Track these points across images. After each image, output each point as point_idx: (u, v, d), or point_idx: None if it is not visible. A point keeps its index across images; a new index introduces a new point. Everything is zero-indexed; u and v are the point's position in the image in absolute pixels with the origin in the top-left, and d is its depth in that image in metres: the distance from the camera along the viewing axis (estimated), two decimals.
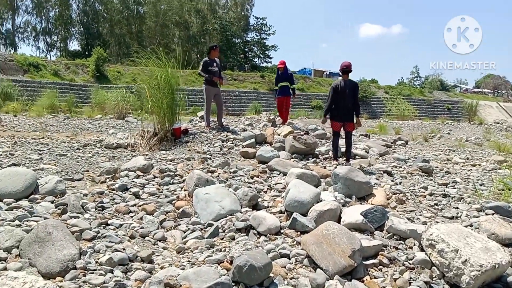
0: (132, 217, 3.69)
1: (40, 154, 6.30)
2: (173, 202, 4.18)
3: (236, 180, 5.11)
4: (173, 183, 4.86)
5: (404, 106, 46.20)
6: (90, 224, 3.40)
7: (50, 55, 54.98)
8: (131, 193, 4.37)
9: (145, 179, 4.88)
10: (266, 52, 58.85)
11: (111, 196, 4.22)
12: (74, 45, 57.55)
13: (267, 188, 4.83)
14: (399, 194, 5.05)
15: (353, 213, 3.53)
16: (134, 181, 4.76)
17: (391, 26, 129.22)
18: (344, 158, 7.44)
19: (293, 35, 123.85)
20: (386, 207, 4.37)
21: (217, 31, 52.17)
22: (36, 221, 3.26)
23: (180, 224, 3.56)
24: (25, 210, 3.59)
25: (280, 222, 3.64)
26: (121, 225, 3.45)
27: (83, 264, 2.60)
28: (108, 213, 3.71)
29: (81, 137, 11.07)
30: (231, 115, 29.47)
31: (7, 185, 4.04)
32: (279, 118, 10.95)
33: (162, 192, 4.54)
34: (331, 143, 7.62)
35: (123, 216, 3.67)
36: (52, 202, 3.97)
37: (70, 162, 5.99)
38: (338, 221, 3.61)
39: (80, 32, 55.63)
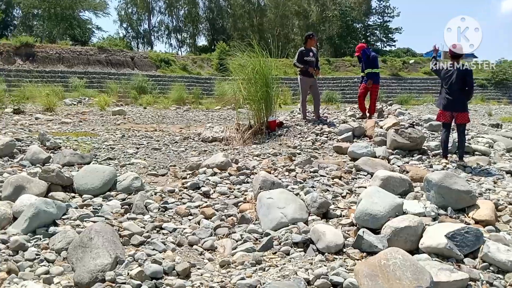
0: (190, 220, 3.56)
1: (138, 148, 6.68)
2: (239, 204, 3.94)
3: (315, 181, 4.65)
4: (247, 182, 4.64)
5: None
6: (144, 227, 3.37)
7: (181, 51, 60.02)
8: (201, 192, 4.27)
9: (220, 177, 4.75)
10: (390, 35, 55.06)
11: (180, 195, 4.17)
12: (201, 41, 61.82)
13: (347, 192, 4.27)
14: None
15: (438, 233, 2.82)
16: (208, 179, 4.66)
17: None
18: (457, 155, 6.33)
19: (421, 16, 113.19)
20: (494, 224, 3.47)
21: (337, 18, 50.52)
22: (95, 221, 3.33)
23: (235, 232, 3.30)
24: (93, 209, 3.73)
25: (346, 238, 3.11)
26: (175, 229, 3.34)
27: (112, 276, 2.50)
28: (168, 215, 3.64)
29: (193, 128, 11.69)
30: (348, 103, 28.34)
31: (87, 182, 4.28)
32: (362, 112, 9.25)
33: (233, 192, 4.35)
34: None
35: (181, 219, 3.57)
36: (123, 200, 4.07)
37: (161, 157, 6.21)
38: (419, 242, 2.93)
39: (207, 28, 59.47)
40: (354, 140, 7.36)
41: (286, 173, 4.84)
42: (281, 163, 5.54)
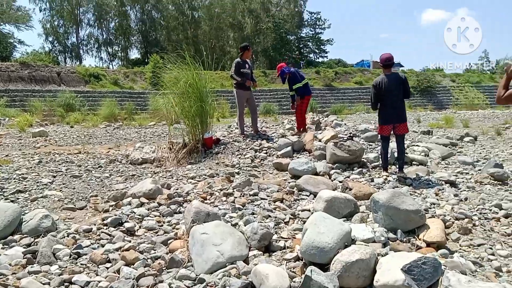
0: (107, 268, 2.97)
1: (54, 177, 5.87)
2: (169, 242, 3.40)
3: (255, 205, 4.23)
4: (179, 212, 4.10)
5: (473, 95, 42.36)
6: (49, 282, 2.72)
7: (112, 64, 57.62)
8: (124, 229, 3.66)
9: (147, 208, 4.16)
10: (322, 46, 57.05)
11: (99, 235, 3.54)
12: (134, 54, 59.84)
13: (290, 218, 3.89)
14: (463, 219, 3.87)
15: (393, 266, 2.51)
16: (133, 212, 4.05)
17: (455, 10, 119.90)
18: (397, 167, 6.27)
19: (350, 28, 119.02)
20: (444, 244, 3.26)
21: (271, 30, 51.39)
22: None
23: (162, 281, 2.75)
24: None
25: (292, 278, 2.70)
26: (88, 283, 2.72)
27: None
28: (81, 264, 3.01)
29: (123, 148, 10.84)
30: (285, 114, 28.56)
31: None
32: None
33: (162, 226, 3.79)
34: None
35: (97, 268, 2.96)
36: (28, 245, 3.37)
37: (81, 186, 5.47)
38: (373, 277, 2.60)
39: (139, 40, 57.65)
40: (294, 155, 7.09)
41: (224, 198, 4.37)
42: (218, 185, 5.07)
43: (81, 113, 25.14)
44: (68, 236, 3.51)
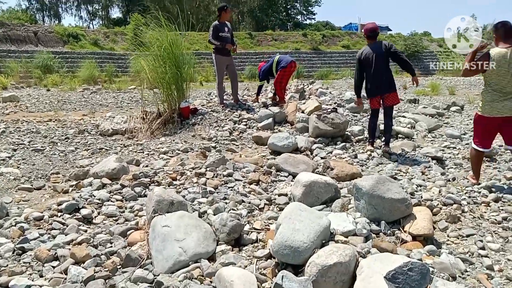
0: (54, 267, 2.61)
1: (14, 150, 5.39)
2: (129, 233, 3.04)
3: (228, 188, 3.87)
4: (144, 195, 3.72)
5: (460, 60, 42.00)
6: None
7: (92, 24, 55.29)
8: (80, 216, 3.28)
9: (109, 191, 3.77)
10: (310, 8, 55.48)
11: (50, 224, 3.16)
12: (115, 13, 57.40)
13: (265, 203, 3.56)
14: (452, 205, 3.59)
15: (375, 272, 2.20)
16: (93, 195, 3.66)
17: None
18: (383, 141, 5.95)
19: None
20: (432, 236, 2.98)
21: None
22: None
23: (114, 285, 2.41)
24: None
25: (262, 282, 2.39)
26: (28, 287, 2.37)
27: None
28: (24, 262, 2.64)
29: (98, 115, 10.29)
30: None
31: None
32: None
33: (124, 212, 3.42)
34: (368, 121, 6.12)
35: (42, 267, 2.60)
36: None
37: (42, 161, 5.03)
38: (352, 282, 2.30)
39: None
40: (275, 127, 6.72)
41: (195, 179, 3.99)
42: (191, 163, 4.68)
43: (59, 75, 24.11)
44: (15, 225, 3.12)
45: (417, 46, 40.57)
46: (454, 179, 4.58)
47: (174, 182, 3.98)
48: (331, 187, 3.49)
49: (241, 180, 4.04)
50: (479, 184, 4.26)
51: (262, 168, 4.47)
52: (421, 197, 3.75)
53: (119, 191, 3.77)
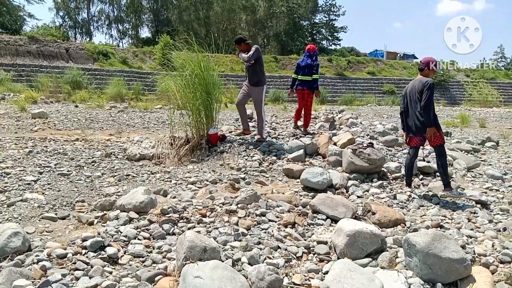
0: None
1: (40, 173, 5.28)
2: (157, 279, 2.80)
3: (262, 230, 3.60)
4: (173, 234, 3.49)
5: (487, 91, 41.19)
6: None
7: (122, 42, 56.87)
8: (105, 255, 3.07)
9: (136, 227, 3.56)
10: (335, 34, 55.68)
11: (74, 263, 2.95)
12: (145, 32, 58.92)
13: (303, 252, 3.27)
14: (509, 263, 3.23)
15: None
16: (119, 231, 3.45)
17: (473, 2, 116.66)
18: (420, 179, 5.61)
19: (364, 15, 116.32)
20: None
21: (284, 14, 50.10)
22: None
23: None
24: None
25: None
26: None
27: None
28: None
29: (125, 135, 10.26)
30: (295, 102, 27.73)
31: None
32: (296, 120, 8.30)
33: (151, 253, 3.19)
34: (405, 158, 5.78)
35: None
36: None
37: (68, 187, 4.88)
38: None
39: (150, 19, 56.64)
40: (306, 159, 6.45)
41: (226, 218, 3.75)
42: (221, 196, 4.45)
43: (88, 91, 24.59)
44: (37, 263, 2.93)
45: (443, 75, 39.95)
46: (505, 229, 4.21)
47: (204, 219, 3.75)
48: (377, 238, 3.18)
49: (275, 221, 3.77)
50: None
51: (297, 207, 4.19)
52: (474, 251, 3.40)
53: (147, 228, 3.55)
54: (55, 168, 5.61)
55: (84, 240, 3.29)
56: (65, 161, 6.17)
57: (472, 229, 4.03)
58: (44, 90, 22.95)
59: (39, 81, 24.41)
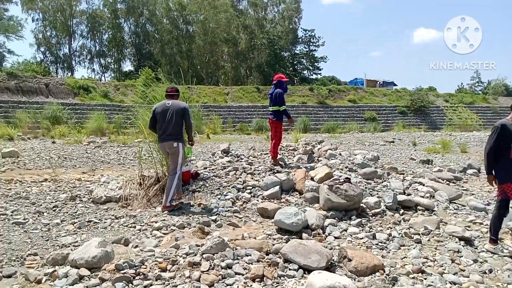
0: None
1: None
2: None
3: (226, 286, 3.25)
4: None
5: (467, 115, 42.08)
6: None
7: (104, 76, 56.73)
8: None
9: (86, 286, 3.18)
10: (316, 63, 56.62)
11: None
12: (127, 66, 58.98)
13: None
14: None
15: None
16: None
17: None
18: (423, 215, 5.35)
19: (343, 45, 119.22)
20: None
21: (265, 46, 50.88)
22: None
23: None
24: None
25: None
26: None
27: None
28: None
29: (98, 172, 9.86)
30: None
31: None
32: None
33: None
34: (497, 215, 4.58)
35: None
36: None
37: (20, 238, 4.46)
38: None
39: (133, 53, 56.85)
40: (282, 197, 6.16)
41: (187, 272, 3.39)
42: (186, 245, 4.09)
43: (67, 126, 24.14)
44: None
45: (423, 101, 40.70)
46: (491, 271, 3.94)
47: (163, 275, 3.38)
48: None
49: (243, 274, 3.43)
50: None
51: (268, 256, 3.86)
52: None
53: (97, 287, 3.17)
54: (11, 216, 5.19)
55: None
56: (25, 206, 5.76)
57: (456, 273, 3.75)
58: (22, 126, 22.46)
59: (17, 117, 23.95)
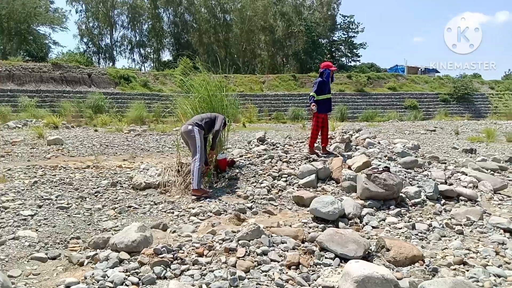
0: None
1: (40, 207, 5.10)
2: None
3: (262, 273, 3.26)
4: (165, 277, 3.20)
5: None
6: None
7: (144, 66, 58.09)
8: None
9: (125, 269, 3.28)
10: (354, 50, 55.29)
11: None
12: (166, 56, 60.04)
13: None
14: None
15: None
16: (106, 275, 3.18)
17: (495, 13, 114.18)
18: (441, 204, 5.14)
19: (384, 31, 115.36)
20: None
21: (302, 33, 50.13)
22: None
23: None
24: None
25: None
26: None
27: None
28: None
29: (138, 160, 10.14)
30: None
31: None
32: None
33: None
34: None
35: None
36: None
37: (64, 222, 4.67)
38: None
39: (171, 43, 57.80)
40: (318, 185, 6.09)
41: (223, 257, 3.43)
42: (222, 231, 4.14)
43: (109, 115, 24.96)
44: None
45: (467, 89, 38.85)
46: None
47: (200, 260, 3.43)
48: (389, 283, 2.79)
49: (278, 261, 3.42)
50: None
51: (303, 244, 3.83)
52: None
53: (136, 271, 3.26)
54: (55, 200, 5.44)
55: (67, 286, 3.03)
56: (69, 191, 6.01)
57: (500, 266, 3.58)
58: (66, 115, 23.41)
59: (62, 106, 24.97)
